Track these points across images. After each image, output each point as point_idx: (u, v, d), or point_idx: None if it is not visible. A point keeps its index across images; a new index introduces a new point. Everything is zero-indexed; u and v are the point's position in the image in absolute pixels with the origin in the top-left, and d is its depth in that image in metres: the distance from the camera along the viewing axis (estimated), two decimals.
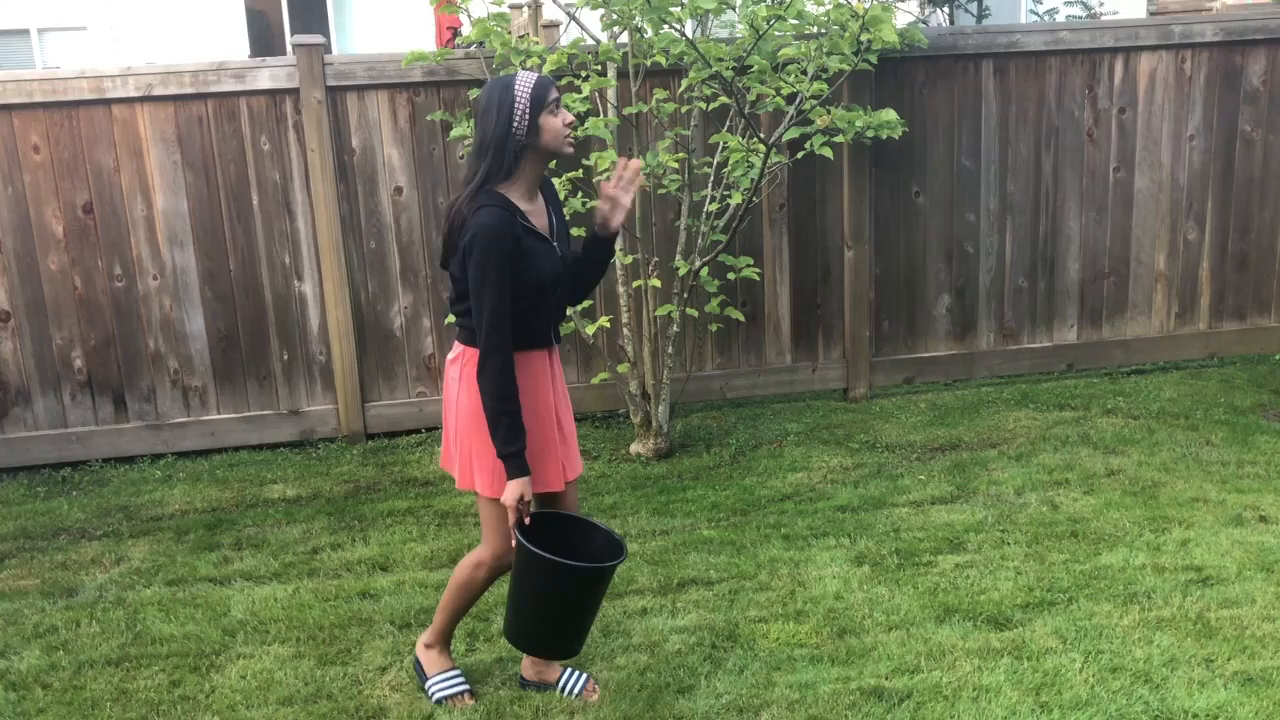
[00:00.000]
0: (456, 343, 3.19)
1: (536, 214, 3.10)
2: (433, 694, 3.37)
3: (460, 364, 3.15)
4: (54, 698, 3.51)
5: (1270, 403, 5.83)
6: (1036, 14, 10.12)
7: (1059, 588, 3.89)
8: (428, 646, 3.44)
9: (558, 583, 3.05)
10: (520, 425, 3.01)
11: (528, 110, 2.95)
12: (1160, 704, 3.17)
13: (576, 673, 3.41)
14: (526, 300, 3.05)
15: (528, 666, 3.44)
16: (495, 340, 2.97)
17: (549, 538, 3.11)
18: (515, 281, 3.00)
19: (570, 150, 3.06)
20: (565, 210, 5.17)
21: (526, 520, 3.06)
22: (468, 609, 3.39)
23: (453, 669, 3.42)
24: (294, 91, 5.47)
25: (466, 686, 3.38)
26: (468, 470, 3.17)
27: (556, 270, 3.13)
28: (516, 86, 2.96)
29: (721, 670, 3.46)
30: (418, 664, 3.46)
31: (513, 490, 3.01)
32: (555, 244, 3.14)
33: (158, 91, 5.36)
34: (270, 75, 5.45)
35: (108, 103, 5.36)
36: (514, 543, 3.04)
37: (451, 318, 5.34)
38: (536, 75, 3.00)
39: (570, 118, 3.02)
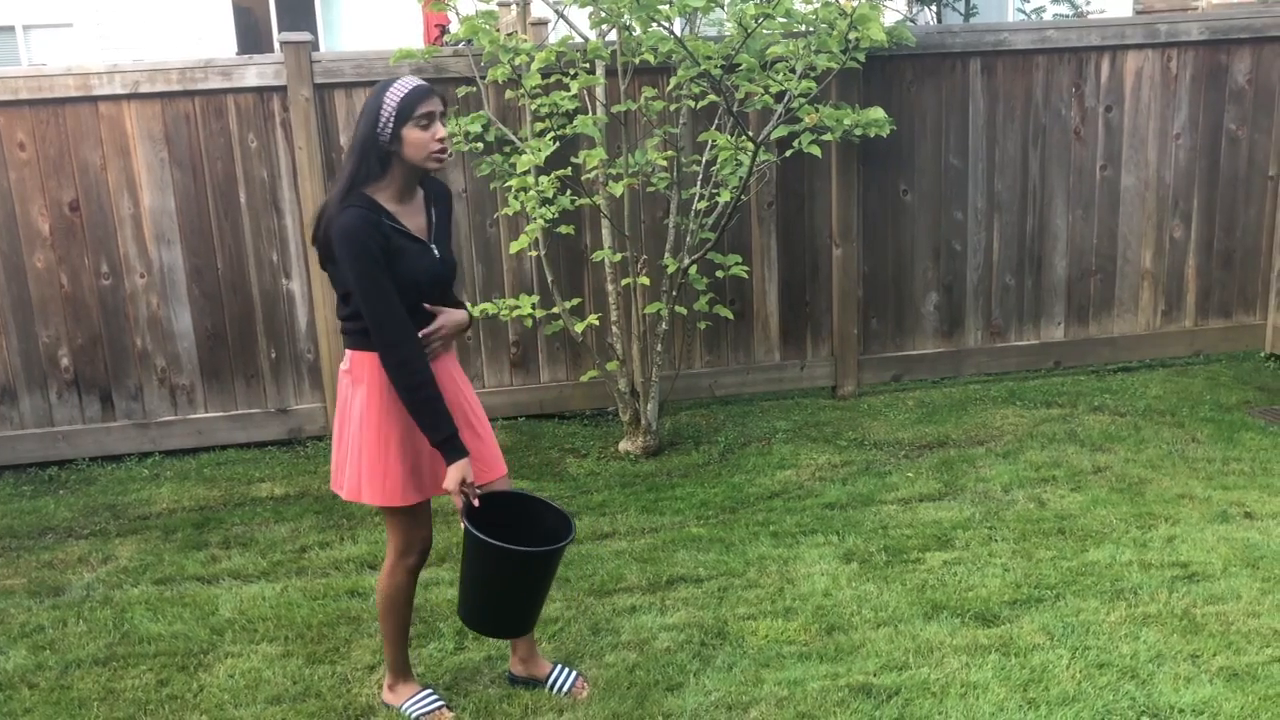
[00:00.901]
0: (347, 352, 3.12)
1: (408, 214, 3.04)
2: (412, 716, 3.30)
3: (352, 372, 3.10)
4: (41, 697, 3.49)
5: (1255, 400, 5.86)
6: (1024, 12, 10.15)
7: (1046, 584, 3.91)
8: (390, 688, 3.35)
9: (506, 566, 3.05)
10: (444, 409, 2.97)
11: (392, 119, 2.91)
12: (1146, 699, 3.19)
13: (566, 670, 3.41)
14: (408, 300, 2.99)
15: (516, 663, 3.43)
16: (389, 335, 2.93)
17: (500, 518, 3.10)
18: (397, 280, 2.95)
19: (434, 166, 2.99)
20: (553, 208, 5.18)
21: (475, 503, 3.04)
22: (407, 625, 3.31)
23: (421, 689, 3.34)
24: (281, 89, 5.45)
25: (441, 702, 3.31)
26: (357, 481, 3.09)
27: (434, 270, 3.08)
28: (388, 94, 2.92)
29: (710, 668, 3.47)
30: (388, 708, 3.35)
31: (453, 475, 2.99)
32: (431, 245, 3.09)
33: (144, 89, 5.34)
34: (258, 73, 5.43)
35: (94, 100, 5.33)
36: (462, 527, 3.02)
37: None
38: (414, 85, 2.94)
39: (440, 133, 2.94)
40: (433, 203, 3.14)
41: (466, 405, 3.22)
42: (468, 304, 3.45)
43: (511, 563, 3.04)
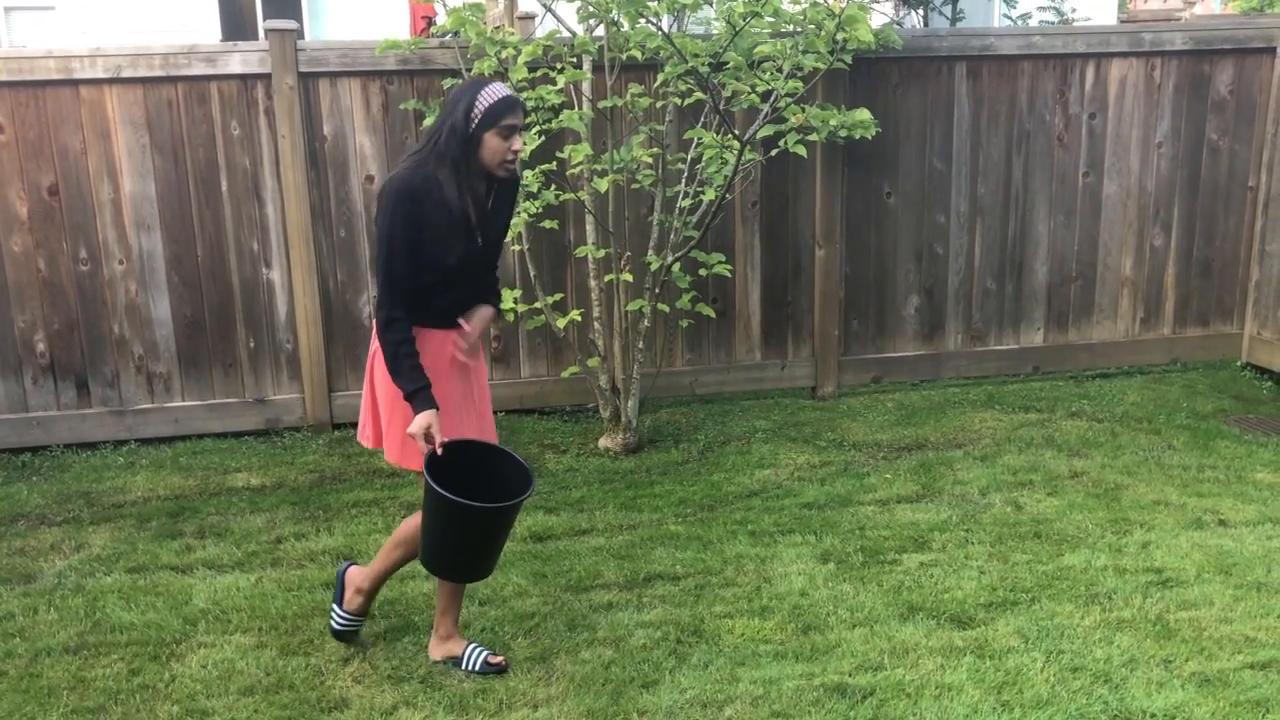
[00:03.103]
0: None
1: (473, 202, 3.16)
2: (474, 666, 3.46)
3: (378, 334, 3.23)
4: (9, 685, 3.46)
5: (1231, 408, 5.91)
6: (1010, 18, 10.19)
7: (1021, 588, 3.92)
8: (443, 639, 3.51)
9: (464, 518, 3.11)
10: (418, 367, 3.09)
11: (479, 120, 3.06)
12: (1119, 704, 3.21)
13: (476, 648, 3.47)
14: (432, 275, 3.13)
15: (434, 647, 3.52)
16: (389, 293, 3.08)
17: (465, 468, 3.16)
18: (422, 251, 3.07)
19: (504, 174, 3.15)
20: (537, 202, 5.16)
21: (438, 451, 3.10)
22: (401, 567, 3.54)
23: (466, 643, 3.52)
24: (266, 77, 5.41)
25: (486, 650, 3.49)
26: (385, 437, 3.30)
27: (473, 255, 3.20)
28: (482, 94, 3.07)
29: (686, 665, 3.47)
30: (445, 660, 3.50)
31: (419, 421, 3.07)
32: (477, 230, 3.19)
33: (127, 73, 5.29)
34: (242, 60, 5.39)
35: (75, 83, 5.28)
36: (427, 495, 3.09)
37: None
38: (507, 95, 3.08)
39: (517, 145, 3.10)
40: (495, 195, 3.25)
41: (475, 388, 3.36)
42: (502, 293, 3.53)
43: (467, 515, 3.10)
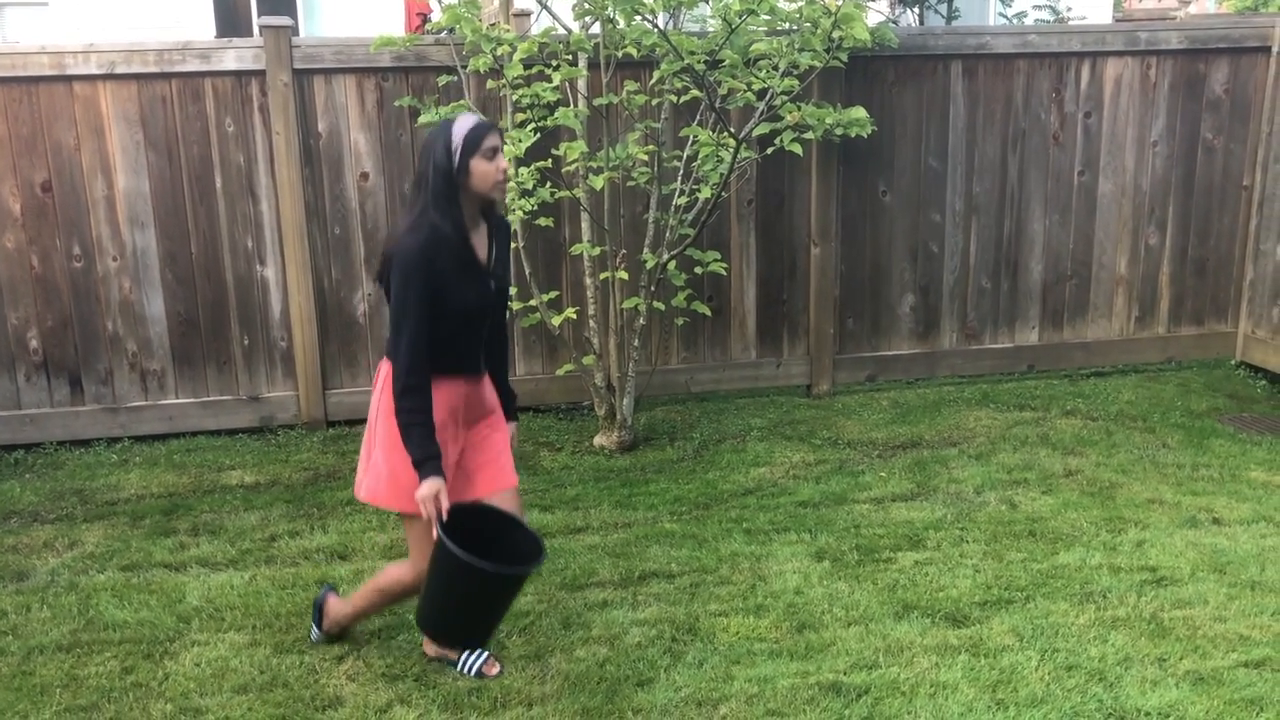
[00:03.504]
0: (385, 358, 3.22)
1: (476, 244, 3.19)
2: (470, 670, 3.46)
3: (382, 378, 3.23)
4: (1, 684, 3.44)
5: (1225, 407, 5.91)
6: (1005, 17, 10.20)
7: (1016, 586, 3.93)
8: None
9: (471, 581, 3.01)
10: (430, 436, 3.07)
11: (460, 150, 3.07)
12: (1114, 702, 3.21)
13: (478, 650, 3.45)
14: (448, 326, 3.13)
15: (429, 644, 3.51)
16: (409, 360, 3.06)
17: (473, 530, 3.07)
18: (437, 306, 3.09)
19: (501, 195, 3.18)
20: (532, 200, 5.16)
21: (443, 516, 3.05)
22: (375, 613, 3.54)
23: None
24: (260, 73, 5.40)
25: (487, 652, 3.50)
26: (375, 482, 3.21)
27: (485, 301, 3.22)
28: (455, 127, 3.09)
29: (681, 663, 3.46)
30: (440, 659, 3.52)
31: (427, 487, 3.04)
32: (490, 275, 3.24)
33: (121, 70, 5.27)
34: (236, 56, 5.37)
35: (69, 79, 5.26)
36: (434, 535, 3.02)
37: None
38: (477, 121, 3.12)
39: (504, 165, 3.13)
40: (496, 236, 3.29)
41: (476, 433, 3.35)
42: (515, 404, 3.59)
43: (473, 577, 2.99)
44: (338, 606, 3.56)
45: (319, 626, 3.62)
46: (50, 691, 3.39)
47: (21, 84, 5.22)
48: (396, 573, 3.35)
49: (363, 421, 5.71)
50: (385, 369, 3.20)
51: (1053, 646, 3.52)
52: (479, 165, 3.10)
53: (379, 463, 3.21)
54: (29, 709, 3.30)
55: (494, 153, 3.11)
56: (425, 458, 3.05)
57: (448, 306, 3.11)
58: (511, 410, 3.51)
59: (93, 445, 5.57)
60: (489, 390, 3.40)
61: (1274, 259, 6.26)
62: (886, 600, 3.85)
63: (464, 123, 3.11)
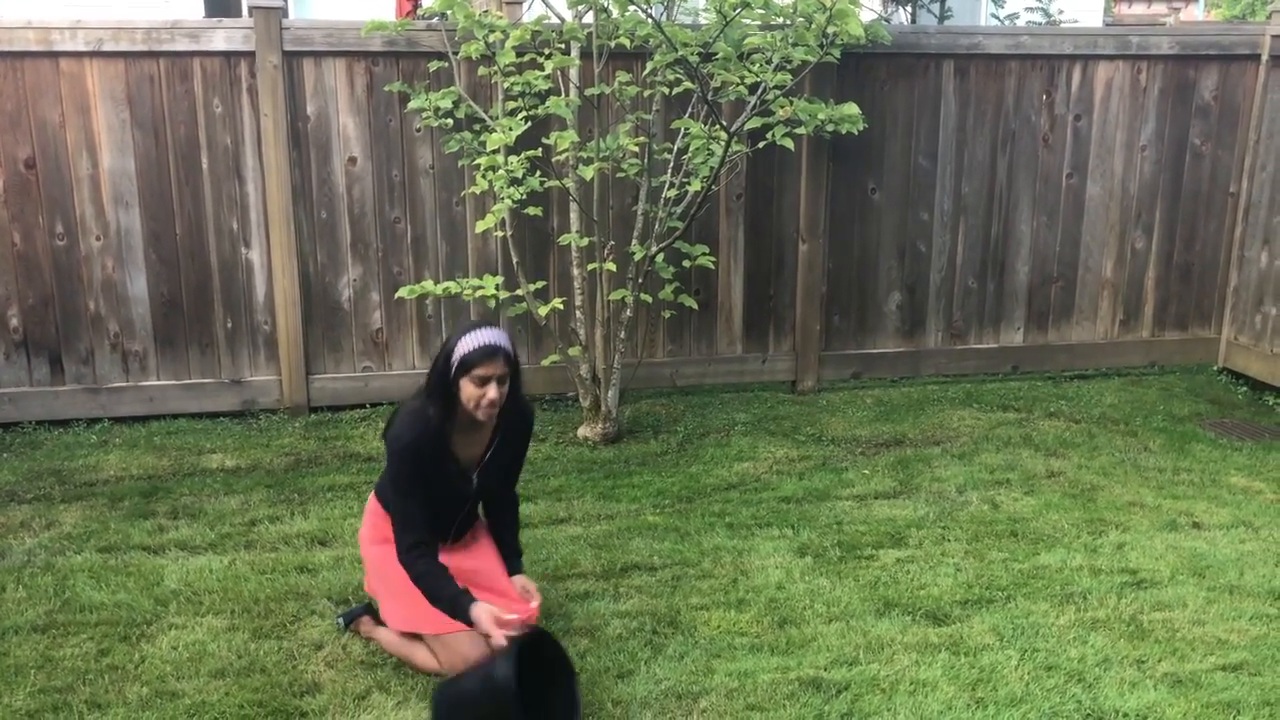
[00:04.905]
0: (374, 494, 3.50)
1: (466, 443, 3.32)
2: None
3: (370, 512, 3.49)
4: None
5: (1207, 412, 5.94)
6: (998, 18, 10.21)
7: (997, 585, 3.93)
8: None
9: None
10: (442, 583, 3.19)
11: (455, 366, 3.18)
12: (1092, 703, 3.22)
13: None
14: (434, 509, 3.31)
15: (368, 623, 3.57)
16: (410, 538, 3.21)
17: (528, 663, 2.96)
18: (427, 493, 3.24)
19: (482, 419, 3.24)
20: (521, 189, 5.13)
21: (512, 633, 3.04)
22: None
23: None
24: (249, 54, 5.35)
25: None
26: (411, 613, 3.33)
27: (458, 499, 3.38)
28: (460, 342, 3.19)
29: (661, 656, 3.46)
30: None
31: (481, 620, 3.08)
32: (475, 475, 3.37)
33: (108, 47, 5.22)
34: (226, 37, 5.33)
35: (55, 55, 5.21)
36: (496, 670, 2.92)
37: (402, 292, 5.30)
38: (481, 345, 3.17)
39: (491, 395, 3.18)
40: (500, 431, 3.38)
41: (490, 572, 3.48)
42: (523, 574, 3.57)
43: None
44: (369, 625, 3.55)
45: (346, 624, 3.60)
46: (25, 672, 3.36)
47: (6, 59, 5.16)
48: (425, 658, 3.34)
49: (346, 407, 5.74)
50: (371, 505, 3.47)
51: (1032, 646, 3.53)
52: (467, 387, 3.19)
53: (388, 596, 3.39)
54: (3, 689, 3.27)
55: (484, 381, 3.18)
56: (449, 603, 3.15)
57: (433, 497, 3.27)
58: (515, 567, 3.54)
59: (72, 425, 5.52)
60: (474, 546, 3.53)
61: (1258, 266, 6.29)
62: (868, 597, 3.85)
63: (472, 340, 3.18)
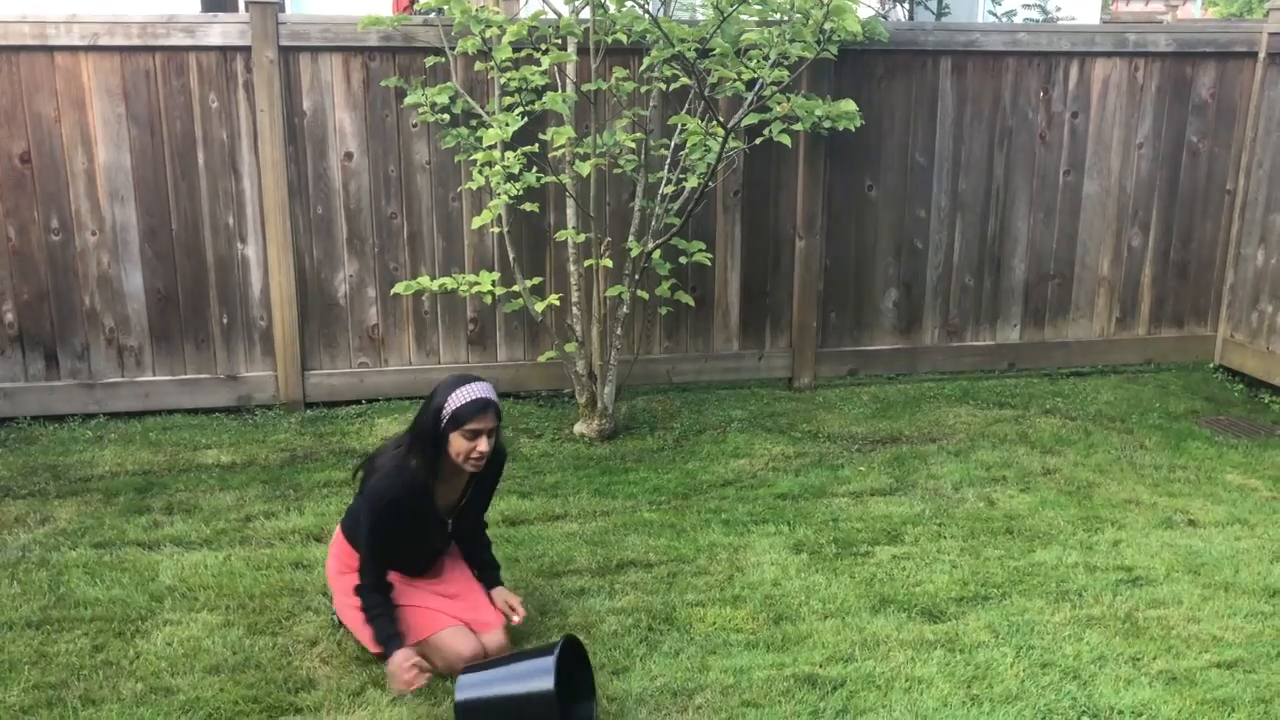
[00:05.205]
0: (340, 528, 3.54)
1: (444, 490, 3.39)
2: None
3: (336, 544, 3.52)
4: None
5: (1203, 410, 5.95)
6: (994, 15, 10.20)
7: (993, 583, 3.94)
8: None
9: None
10: (390, 620, 3.23)
11: (446, 420, 3.23)
12: (1087, 700, 3.22)
13: None
14: (404, 555, 3.41)
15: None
16: (370, 579, 3.27)
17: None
18: (397, 541, 3.31)
19: (470, 470, 3.30)
20: (518, 184, 5.12)
21: (415, 683, 3.09)
22: None
23: None
24: (245, 49, 5.34)
25: None
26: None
27: (433, 547, 3.46)
28: (450, 397, 3.23)
29: (657, 653, 3.46)
30: None
31: (394, 662, 3.13)
32: (449, 520, 3.44)
33: (104, 41, 5.20)
34: (222, 32, 5.31)
35: (50, 50, 5.19)
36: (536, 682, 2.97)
37: (398, 288, 5.29)
38: (473, 400, 3.23)
39: (481, 448, 3.25)
40: (476, 482, 3.45)
41: (441, 585, 3.51)
42: (501, 592, 3.55)
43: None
44: None
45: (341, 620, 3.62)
46: (19, 668, 3.35)
47: (1, 53, 5.15)
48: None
49: (342, 403, 5.73)
50: (337, 538, 3.51)
51: (1028, 643, 3.53)
52: (457, 441, 3.24)
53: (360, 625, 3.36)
54: None
55: (475, 435, 3.23)
56: (388, 639, 3.19)
57: (405, 543, 3.35)
58: (492, 580, 3.58)
59: (67, 421, 5.51)
60: (448, 574, 3.55)
61: (1255, 264, 6.29)
62: (863, 594, 3.85)
63: (463, 395, 3.23)
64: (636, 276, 5.31)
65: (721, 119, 4.97)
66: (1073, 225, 6.33)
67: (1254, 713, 3.17)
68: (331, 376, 5.73)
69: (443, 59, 5.42)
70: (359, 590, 3.28)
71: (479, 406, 3.23)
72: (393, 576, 3.37)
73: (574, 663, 3.12)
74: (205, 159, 5.43)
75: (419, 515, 3.33)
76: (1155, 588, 3.92)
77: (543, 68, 5.05)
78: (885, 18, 7.84)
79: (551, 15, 5.27)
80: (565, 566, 4.04)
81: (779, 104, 4.89)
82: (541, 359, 5.58)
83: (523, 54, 5.22)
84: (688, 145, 5.11)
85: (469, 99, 5.37)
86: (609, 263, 5.30)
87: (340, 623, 3.56)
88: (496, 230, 5.49)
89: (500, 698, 2.99)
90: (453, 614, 3.40)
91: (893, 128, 6.02)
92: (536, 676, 2.95)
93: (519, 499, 4.65)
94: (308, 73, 5.43)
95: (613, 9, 4.93)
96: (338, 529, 3.54)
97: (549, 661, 2.94)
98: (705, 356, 6.08)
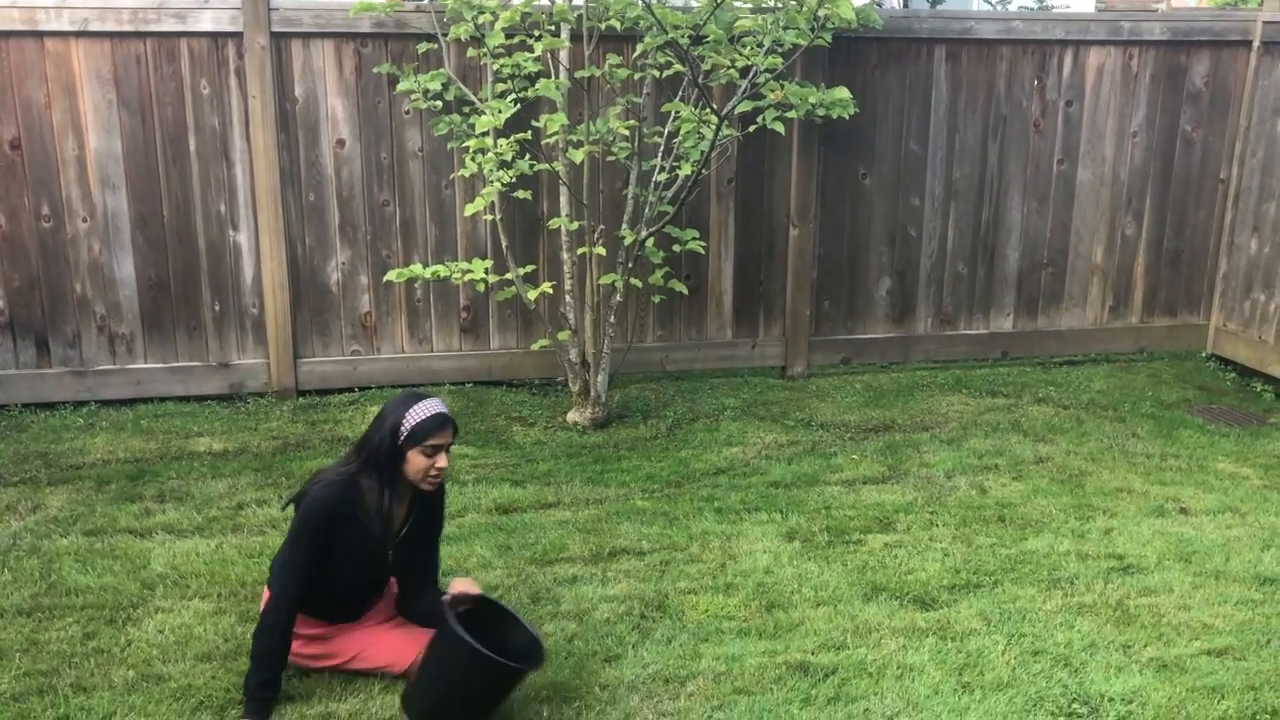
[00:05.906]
0: None
1: (389, 517, 3.20)
2: None
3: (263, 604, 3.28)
4: None
5: (1195, 398, 5.96)
6: (989, 2, 10.19)
7: (985, 570, 3.94)
8: None
9: (473, 672, 2.92)
10: (272, 672, 3.06)
11: (405, 437, 3.11)
12: (1078, 687, 3.23)
13: None
14: (324, 585, 3.16)
15: None
16: (278, 596, 3.08)
17: (475, 627, 2.99)
18: (319, 563, 3.11)
19: (428, 489, 3.20)
20: (511, 172, 5.11)
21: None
22: None
23: None
24: (237, 35, 5.31)
25: None
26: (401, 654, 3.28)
27: (366, 578, 3.24)
28: (409, 413, 3.12)
29: (649, 640, 3.46)
30: None
31: None
32: (388, 549, 3.22)
33: (94, 27, 5.17)
34: (213, 18, 5.28)
35: (40, 35, 5.16)
36: (448, 626, 2.94)
37: (390, 275, 5.28)
38: (432, 415, 3.12)
39: (441, 464, 3.15)
40: (420, 509, 3.28)
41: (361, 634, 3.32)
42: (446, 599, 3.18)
43: (479, 669, 2.90)
44: None
45: None
46: (10, 655, 3.35)
47: None
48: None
49: (334, 391, 5.72)
50: (265, 594, 3.27)
51: (1019, 631, 3.54)
52: (415, 458, 3.13)
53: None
54: None
55: (435, 450, 3.13)
56: (257, 687, 3.03)
57: (335, 576, 3.15)
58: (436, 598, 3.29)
59: (58, 408, 5.49)
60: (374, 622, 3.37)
61: (1248, 253, 6.30)
62: (855, 582, 3.86)
63: (421, 410, 3.13)
64: (630, 264, 5.30)
65: (715, 106, 4.95)
66: (1066, 214, 6.33)
67: (1244, 700, 3.18)
68: (324, 364, 5.72)
69: (435, 45, 5.40)
70: (258, 629, 3.08)
71: (439, 422, 3.13)
72: (311, 627, 3.21)
73: (505, 622, 3.14)
74: (197, 146, 5.41)
75: (356, 539, 3.14)
76: (1146, 576, 3.93)
77: (536, 54, 5.03)
78: (880, 5, 7.83)
79: (544, 1, 5.25)
80: (558, 554, 4.04)
81: (773, 91, 4.88)
82: (535, 347, 5.58)
83: (516, 40, 5.20)
84: (681, 133, 5.09)
85: (462, 86, 5.35)
86: (602, 251, 5.29)
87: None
88: (489, 218, 5.48)
89: (426, 672, 3.03)
90: (370, 662, 3.26)
91: (887, 115, 6.01)
92: (440, 637, 2.98)
93: (512, 487, 4.65)
94: (300, 59, 5.41)
95: None
96: (265, 591, 3.25)
97: (446, 626, 2.95)
98: (698, 345, 6.08)
